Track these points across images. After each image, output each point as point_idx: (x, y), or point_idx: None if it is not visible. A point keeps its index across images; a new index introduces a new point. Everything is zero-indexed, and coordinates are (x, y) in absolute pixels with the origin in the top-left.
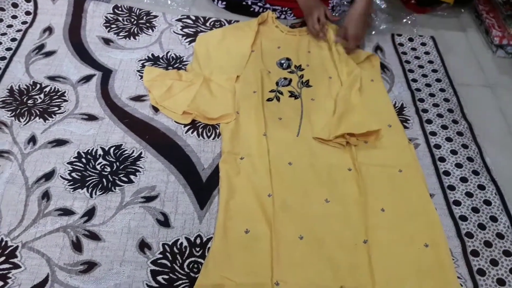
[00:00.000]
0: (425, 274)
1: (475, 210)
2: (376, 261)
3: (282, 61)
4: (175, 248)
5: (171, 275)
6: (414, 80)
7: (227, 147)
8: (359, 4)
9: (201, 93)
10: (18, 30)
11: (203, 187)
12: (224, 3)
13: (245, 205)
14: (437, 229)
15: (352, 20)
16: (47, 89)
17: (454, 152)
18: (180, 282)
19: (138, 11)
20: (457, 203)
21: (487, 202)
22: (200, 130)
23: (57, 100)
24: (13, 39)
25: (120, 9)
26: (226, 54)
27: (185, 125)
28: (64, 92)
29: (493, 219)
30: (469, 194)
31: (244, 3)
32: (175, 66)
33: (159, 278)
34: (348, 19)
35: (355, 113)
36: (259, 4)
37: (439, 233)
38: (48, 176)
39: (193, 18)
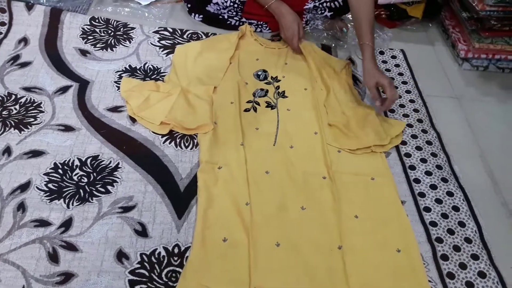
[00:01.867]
0: (397, 278)
1: (444, 216)
2: (350, 266)
3: (259, 73)
4: (153, 258)
5: (149, 284)
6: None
7: (205, 156)
8: (369, 58)
9: (179, 104)
10: None
11: (181, 197)
12: (201, 16)
13: (223, 214)
14: (408, 235)
15: (378, 76)
16: (23, 100)
17: (423, 160)
18: None
19: (115, 22)
20: (427, 209)
21: (456, 208)
22: (178, 141)
23: (33, 111)
24: None
25: (97, 20)
26: (204, 66)
27: (163, 136)
28: (40, 103)
29: (461, 224)
30: (438, 201)
31: (220, 17)
32: (153, 77)
33: (137, 287)
34: (373, 77)
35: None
36: (235, 18)
37: (410, 238)
38: (24, 187)
39: (170, 30)
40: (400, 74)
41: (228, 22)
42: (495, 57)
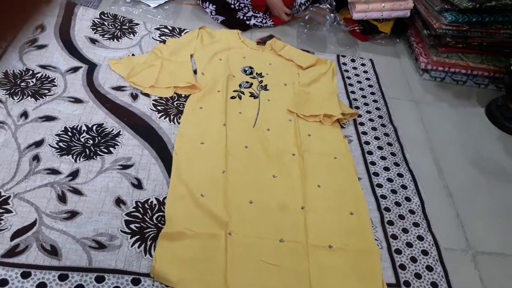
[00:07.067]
0: (348, 235)
1: (394, 191)
2: (310, 222)
3: (246, 68)
4: (146, 205)
5: (142, 224)
6: (353, 92)
7: (190, 134)
8: None
9: (165, 69)
10: None
11: (172, 161)
12: (214, 6)
13: (201, 177)
14: (361, 202)
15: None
16: (39, 75)
17: (380, 147)
18: (149, 230)
19: (122, 18)
20: (380, 185)
21: (404, 187)
22: (171, 117)
23: (47, 85)
24: None
25: (106, 15)
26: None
27: (159, 112)
28: (54, 78)
29: (407, 199)
30: (389, 180)
31: (232, 6)
32: None
33: (132, 226)
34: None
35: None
36: (244, 10)
37: (362, 205)
38: (38, 143)
39: (170, 28)
40: (367, 79)
41: (237, 16)
42: (451, 70)
